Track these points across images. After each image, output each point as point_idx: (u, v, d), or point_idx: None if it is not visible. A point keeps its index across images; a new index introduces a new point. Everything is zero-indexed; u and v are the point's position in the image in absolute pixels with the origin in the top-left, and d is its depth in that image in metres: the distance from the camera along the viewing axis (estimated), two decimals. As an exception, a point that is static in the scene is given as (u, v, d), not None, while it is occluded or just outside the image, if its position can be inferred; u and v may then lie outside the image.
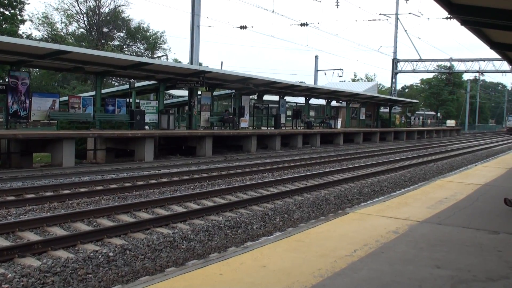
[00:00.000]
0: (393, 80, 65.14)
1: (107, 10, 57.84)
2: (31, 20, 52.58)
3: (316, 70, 63.58)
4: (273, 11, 35.01)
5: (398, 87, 78.21)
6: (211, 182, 17.84)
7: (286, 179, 19.09)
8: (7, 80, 24.49)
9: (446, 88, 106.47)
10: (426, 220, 8.83)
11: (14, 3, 35.43)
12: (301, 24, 38.98)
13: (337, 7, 40.47)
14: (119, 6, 58.33)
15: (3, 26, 33.62)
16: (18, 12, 36.10)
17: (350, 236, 7.51)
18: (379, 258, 6.41)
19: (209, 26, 70.10)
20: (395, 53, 63.32)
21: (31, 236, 10.28)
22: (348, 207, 14.22)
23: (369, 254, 6.55)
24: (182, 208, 13.51)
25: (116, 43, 59.04)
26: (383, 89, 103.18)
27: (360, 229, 8.07)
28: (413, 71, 65.38)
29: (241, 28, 38.68)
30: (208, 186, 17.03)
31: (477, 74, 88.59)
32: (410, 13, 57.41)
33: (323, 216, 13.31)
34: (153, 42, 59.81)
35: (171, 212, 12.86)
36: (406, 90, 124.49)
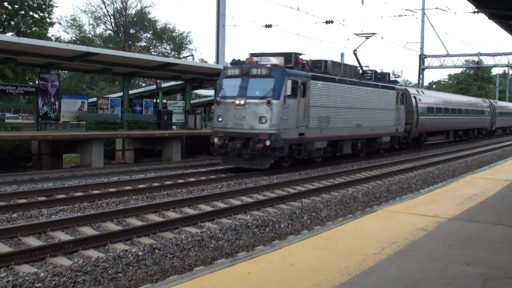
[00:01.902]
0: (420, 76, 64.44)
1: (133, 12, 58.41)
2: (60, 23, 53.38)
3: (342, 68, 63.25)
4: (298, 9, 35.09)
5: (426, 82, 77.43)
6: (238, 181, 17.88)
7: (313, 177, 19.04)
8: (37, 82, 24.90)
9: (474, 83, 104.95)
10: (455, 217, 8.75)
11: (43, 7, 35.93)
12: (326, 22, 38.75)
13: (362, 4, 40.08)
14: (146, 7, 58.89)
15: (33, 29, 34.14)
16: (47, 15, 36.62)
17: (378, 234, 7.49)
18: (408, 256, 6.38)
19: (234, 26, 70.33)
20: (422, 48, 62.63)
21: (62, 236, 10.44)
22: (376, 205, 14.15)
23: (397, 252, 6.52)
24: (210, 207, 13.58)
25: (143, 44, 59.53)
26: (411, 85, 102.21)
27: (388, 227, 8.03)
28: (441, 66, 64.53)
29: (266, 27, 38.61)
30: (235, 185, 17.07)
31: (506, 68, 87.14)
32: (436, 8, 56.94)
33: (351, 214, 13.26)
34: (179, 43, 60.16)
35: (199, 211, 12.94)
36: (434, 86, 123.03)
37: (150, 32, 60.79)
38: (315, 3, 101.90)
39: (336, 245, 6.89)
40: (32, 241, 9.99)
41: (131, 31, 58.47)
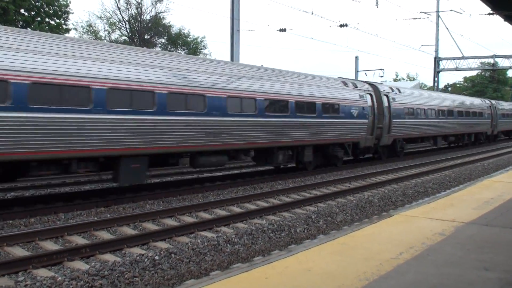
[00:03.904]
0: (436, 78, 64.10)
1: (148, 17, 58.69)
2: (76, 29, 53.79)
3: (357, 71, 63.06)
4: (312, 13, 34.89)
5: (441, 85, 76.81)
6: (253, 185, 17.90)
7: (328, 181, 19.00)
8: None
9: (490, 86, 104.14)
10: (473, 222, 8.68)
11: (59, 13, 36.28)
12: (341, 25, 38.68)
13: (377, 7, 39.90)
14: (160, 12, 59.09)
15: (49, 35, 34.45)
16: (63, 22, 36.99)
17: (395, 239, 7.45)
18: (426, 260, 6.34)
19: (249, 30, 70.46)
20: (436, 51, 62.29)
21: (79, 240, 10.52)
22: (392, 209, 14.10)
23: (415, 257, 6.48)
24: (226, 212, 13.60)
25: (158, 49, 59.82)
26: (426, 88, 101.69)
27: (405, 231, 7.99)
28: (456, 69, 64.14)
29: (280, 31, 38.60)
30: (251, 190, 17.09)
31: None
32: (451, 10, 56.49)
33: (367, 218, 13.21)
34: (193, 47, 60.34)
35: (214, 216, 12.97)
36: (449, 88, 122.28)
37: (165, 37, 61.04)
38: (329, 7, 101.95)
39: (353, 250, 6.86)
40: (50, 245, 10.09)
41: (146, 36, 58.76)
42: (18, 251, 9.63)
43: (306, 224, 12.69)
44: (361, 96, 24.67)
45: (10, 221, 11.78)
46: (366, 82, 27.63)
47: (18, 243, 10.05)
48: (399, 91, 29.58)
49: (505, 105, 54.36)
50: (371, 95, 25.76)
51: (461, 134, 39.25)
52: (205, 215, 13.15)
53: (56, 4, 35.31)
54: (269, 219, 12.89)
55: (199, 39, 62.55)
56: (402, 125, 28.58)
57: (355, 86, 24.99)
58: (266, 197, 15.69)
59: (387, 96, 27.39)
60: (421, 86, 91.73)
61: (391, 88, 28.98)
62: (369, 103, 25.28)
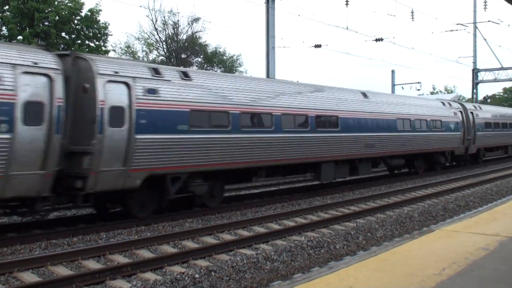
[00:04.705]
0: (474, 90, 63.13)
1: (184, 37, 59.49)
2: (114, 50, 54.82)
3: (393, 85, 62.62)
4: (347, 28, 34.79)
5: (480, 97, 75.57)
6: (291, 202, 17.86)
7: (367, 197, 18.84)
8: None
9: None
10: (518, 236, 8.50)
11: (99, 35, 37.05)
12: (376, 40, 38.53)
13: (412, 20, 39.61)
14: (196, 32, 59.87)
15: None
16: (102, 43, 37.75)
17: (437, 254, 7.34)
18: (469, 276, 6.23)
19: (284, 47, 70.48)
20: (474, 62, 61.39)
21: (120, 259, 10.63)
22: (432, 224, 13.90)
23: (458, 272, 6.38)
24: (264, 229, 13.60)
25: (194, 68, 60.51)
26: (464, 100, 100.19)
27: (447, 246, 7.87)
28: (495, 80, 63.06)
29: (315, 47, 38.67)
30: (289, 206, 17.06)
31: None
32: (488, 21, 55.61)
33: (407, 233, 13.04)
34: (229, 65, 60.86)
35: (253, 233, 12.98)
36: (488, 100, 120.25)
37: (201, 57, 61.73)
38: (364, 22, 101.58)
39: (395, 266, 6.79)
40: (92, 264, 10.23)
41: (183, 56, 59.53)
42: (62, 270, 9.80)
43: (346, 240, 12.59)
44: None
45: (54, 241, 11.98)
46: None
47: (62, 262, 10.22)
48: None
49: (488, 111, 48.63)
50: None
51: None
52: (244, 233, 13.17)
53: (96, 26, 36.08)
54: (308, 236, 12.83)
55: (234, 57, 63.06)
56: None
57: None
58: (305, 213, 15.64)
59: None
60: (459, 98, 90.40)
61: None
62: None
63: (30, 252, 11.05)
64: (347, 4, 33.64)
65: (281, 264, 10.56)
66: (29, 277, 9.39)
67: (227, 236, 12.75)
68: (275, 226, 13.96)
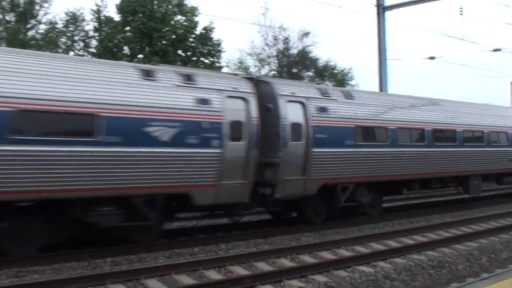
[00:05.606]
0: None
1: (295, 52, 60.03)
2: (228, 66, 56.35)
3: (514, 98, 59.43)
4: (462, 39, 33.64)
5: None
6: (409, 219, 17.45)
7: (489, 216, 18.01)
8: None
9: None
10: None
11: (212, 52, 38.32)
12: (494, 50, 36.92)
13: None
14: (307, 46, 60.21)
15: (204, 73, 36.56)
16: (216, 60, 38.98)
17: None
18: None
19: (396, 60, 69.05)
20: None
21: (240, 271, 10.82)
22: None
23: None
24: (381, 246, 13.36)
25: (306, 81, 60.77)
26: None
27: None
28: None
29: (429, 59, 37.62)
30: (406, 224, 16.67)
31: None
32: None
33: (537, 256, 12.30)
34: (340, 79, 60.61)
35: (371, 250, 12.79)
36: None
37: (312, 71, 61.95)
38: (480, 31, 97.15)
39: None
40: (213, 275, 10.50)
41: (294, 70, 60.05)
42: (185, 279, 10.16)
43: (468, 261, 12.07)
44: None
45: (176, 250, 12.48)
46: None
47: (184, 271, 10.59)
48: None
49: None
50: None
51: None
52: (361, 249, 13.00)
53: (210, 44, 37.37)
54: (427, 255, 12.44)
55: (345, 71, 62.71)
56: None
57: None
58: (424, 231, 15.20)
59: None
60: None
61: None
62: None
63: (155, 260, 11.57)
64: (461, 13, 32.65)
65: (400, 283, 10.32)
66: (154, 284, 9.80)
67: (344, 252, 12.66)
68: (392, 244, 13.68)
